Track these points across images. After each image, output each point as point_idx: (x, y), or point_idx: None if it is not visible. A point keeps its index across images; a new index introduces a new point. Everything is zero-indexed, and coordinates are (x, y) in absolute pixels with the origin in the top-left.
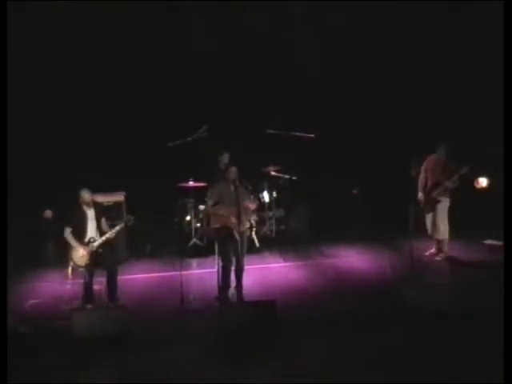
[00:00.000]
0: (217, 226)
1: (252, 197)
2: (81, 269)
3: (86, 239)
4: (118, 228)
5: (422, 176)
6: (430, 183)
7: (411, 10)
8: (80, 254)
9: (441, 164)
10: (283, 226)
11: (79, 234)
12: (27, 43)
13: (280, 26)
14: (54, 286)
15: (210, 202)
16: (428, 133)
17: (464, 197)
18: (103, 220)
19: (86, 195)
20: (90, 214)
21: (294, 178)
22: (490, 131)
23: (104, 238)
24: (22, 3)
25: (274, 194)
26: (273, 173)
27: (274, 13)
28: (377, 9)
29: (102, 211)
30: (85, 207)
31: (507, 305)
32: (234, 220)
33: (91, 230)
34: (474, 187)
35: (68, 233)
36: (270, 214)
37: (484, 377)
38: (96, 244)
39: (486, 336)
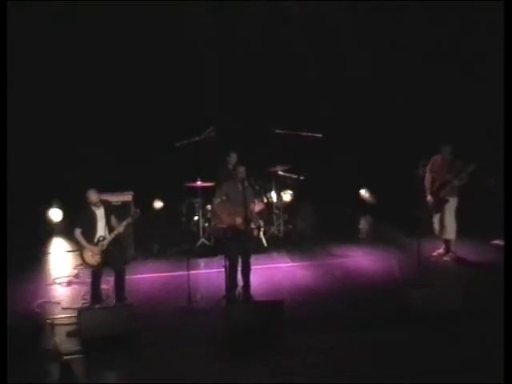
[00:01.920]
0: (222, 225)
1: (259, 197)
2: (91, 268)
3: (96, 238)
4: (125, 223)
5: (427, 177)
6: (437, 183)
7: (414, 10)
8: (91, 254)
9: (446, 163)
10: (291, 226)
11: (89, 234)
12: (28, 43)
13: (286, 25)
14: (63, 286)
15: (217, 201)
16: (433, 132)
17: (472, 196)
18: (112, 217)
19: (92, 196)
20: (99, 213)
21: (301, 177)
22: (495, 130)
23: (113, 234)
24: (22, 3)
25: (284, 195)
26: (280, 172)
27: (281, 12)
28: (381, 9)
29: (110, 209)
30: (93, 207)
31: (508, 304)
32: (239, 220)
33: (101, 229)
34: (482, 186)
35: (78, 233)
36: (277, 211)
37: (490, 376)
38: (106, 242)
39: (494, 336)
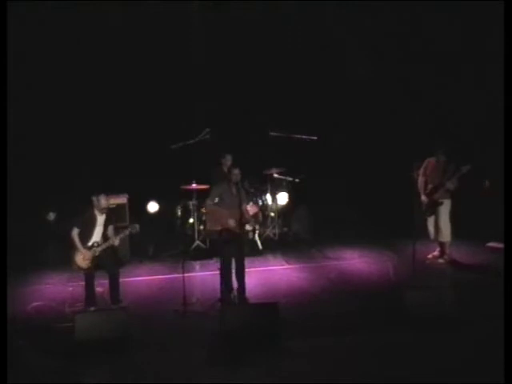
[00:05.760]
0: (216, 227)
1: (255, 200)
2: (82, 271)
3: (91, 243)
4: (122, 235)
5: (420, 180)
6: (430, 186)
7: (410, 10)
8: (82, 257)
9: (440, 166)
10: (286, 229)
11: (85, 237)
12: (29, 44)
13: (284, 27)
14: (57, 289)
15: (209, 203)
16: (428, 134)
17: (466, 198)
18: (111, 227)
19: (103, 201)
20: (101, 219)
21: (296, 180)
22: (490, 131)
23: (108, 243)
24: (21, 3)
25: (277, 197)
26: (276, 175)
27: (278, 15)
28: (375, 11)
29: (111, 219)
30: (97, 212)
31: (507, 307)
32: (232, 222)
33: (97, 235)
34: (476, 188)
35: (75, 233)
36: (272, 214)
37: (485, 378)
38: (99, 249)
39: (488, 339)
